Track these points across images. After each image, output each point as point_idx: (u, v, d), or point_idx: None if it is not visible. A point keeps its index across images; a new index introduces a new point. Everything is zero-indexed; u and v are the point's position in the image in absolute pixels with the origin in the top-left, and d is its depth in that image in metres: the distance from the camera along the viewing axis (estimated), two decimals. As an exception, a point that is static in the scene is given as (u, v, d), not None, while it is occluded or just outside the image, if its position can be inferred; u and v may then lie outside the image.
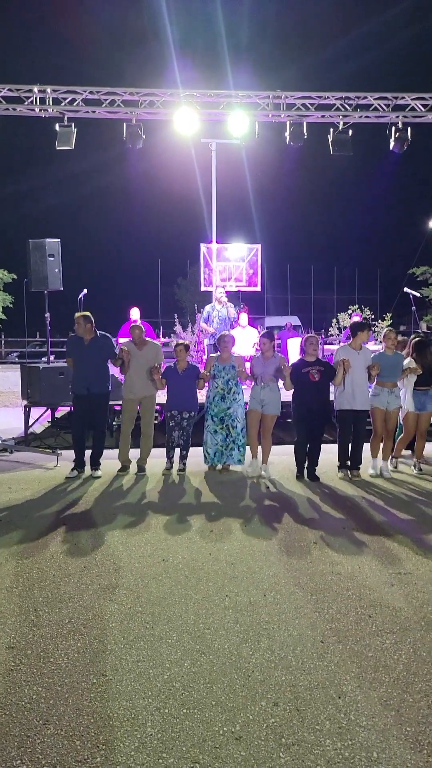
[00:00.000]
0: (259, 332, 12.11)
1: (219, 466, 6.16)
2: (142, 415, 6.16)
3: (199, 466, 6.20)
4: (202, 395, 6.29)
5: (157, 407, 7.66)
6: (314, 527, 4.39)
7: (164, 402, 6.29)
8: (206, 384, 6.15)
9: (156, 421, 7.85)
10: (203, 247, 10.91)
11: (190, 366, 6.14)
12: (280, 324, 20.48)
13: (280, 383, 6.00)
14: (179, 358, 6.11)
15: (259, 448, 6.08)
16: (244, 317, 9.59)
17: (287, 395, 6.03)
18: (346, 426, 5.90)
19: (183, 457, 6.16)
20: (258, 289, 11.18)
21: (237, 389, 6.07)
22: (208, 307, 9.16)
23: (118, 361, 6.00)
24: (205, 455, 6.11)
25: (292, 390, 5.88)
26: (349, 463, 5.96)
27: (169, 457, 6.21)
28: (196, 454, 6.30)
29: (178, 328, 13.97)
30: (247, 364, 6.53)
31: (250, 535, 4.21)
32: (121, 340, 7.96)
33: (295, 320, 23.25)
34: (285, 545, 4.02)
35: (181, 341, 6.29)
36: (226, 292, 9.37)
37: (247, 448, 6.13)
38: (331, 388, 6.01)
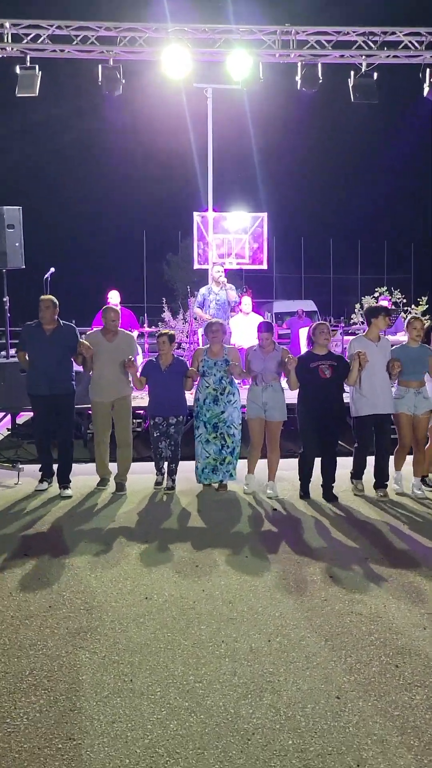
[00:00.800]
0: (266, 319, 12.12)
1: (215, 484, 6.18)
2: (116, 422, 6.15)
3: (192, 483, 6.21)
4: (192, 397, 6.30)
5: (141, 412, 7.69)
6: (329, 558, 4.40)
7: (147, 405, 6.30)
8: (195, 383, 6.15)
9: (140, 429, 7.91)
10: (197, 216, 10.91)
11: (176, 361, 6.12)
12: (291, 310, 20.51)
13: (283, 381, 6.01)
14: (162, 351, 6.07)
15: (261, 461, 6.10)
16: (247, 301, 9.61)
17: (291, 396, 6.04)
18: (366, 436, 5.89)
19: (171, 473, 6.15)
20: (264, 267, 11.17)
21: (232, 389, 6.07)
22: (203, 290, 9.17)
23: (79, 357, 5.97)
24: (197, 471, 6.12)
25: (298, 390, 5.88)
26: (364, 478, 5.99)
27: (159, 468, 6.22)
28: (190, 468, 6.32)
29: (166, 315, 13.98)
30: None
31: (251, 568, 4.22)
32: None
33: (309, 305, 23.30)
34: (294, 580, 4.03)
35: (164, 331, 6.27)
36: (225, 270, 9.37)
37: (242, 460, 6.13)
38: (346, 389, 6.02)
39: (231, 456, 6.05)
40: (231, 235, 10.84)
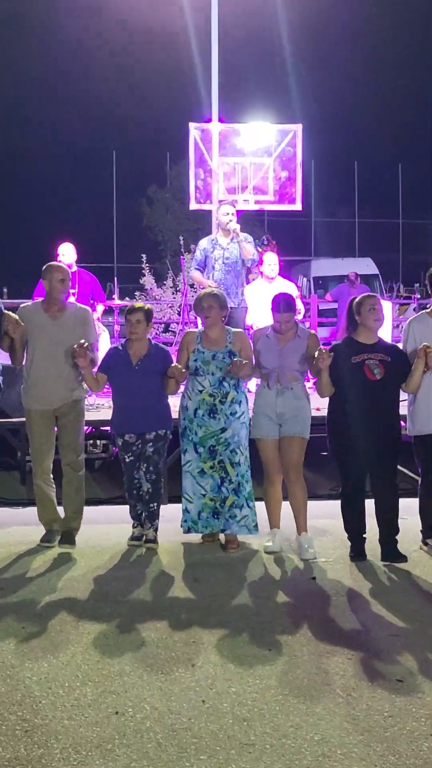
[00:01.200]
0: (298, 287, 12.14)
1: (221, 536, 6.22)
2: (61, 439, 6.18)
3: (179, 534, 6.26)
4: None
5: (107, 429, 7.72)
6: (394, 654, 4.40)
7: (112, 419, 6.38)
8: (182, 386, 6.18)
9: (106, 455, 7.93)
10: (195, 129, 10.94)
11: (154, 351, 6.18)
12: (339, 273, 20.48)
13: (308, 384, 6.14)
14: (134, 335, 6.11)
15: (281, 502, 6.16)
16: (271, 260, 9.62)
17: (320, 403, 6.11)
18: (430, 463, 5.94)
19: (152, 517, 6.19)
20: (297, 207, 11.21)
21: (238, 395, 6.09)
22: (204, 242, 9.18)
23: (4, 340, 6.01)
24: (185, 516, 6.14)
25: (330, 396, 5.91)
26: None
27: (135, 516, 6.28)
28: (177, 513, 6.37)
29: (147, 280, 14.08)
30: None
31: (275, 667, 4.23)
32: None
33: (366, 265, 23.31)
34: (340, 685, 4.04)
35: (138, 304, 6.31)
36: (238, 213, 9.38)
37: (260, 504, 6.17)
38: (402, 396, 6.04)
39: (236, 496, 6.05)
40: (247, 158, 10.87)
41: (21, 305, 6.39)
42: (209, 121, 10.87)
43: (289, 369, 5.95)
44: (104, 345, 8.14)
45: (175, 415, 6.31)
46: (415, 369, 5.75)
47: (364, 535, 5.96)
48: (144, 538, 6.17)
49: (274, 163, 10.90)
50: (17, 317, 5.98)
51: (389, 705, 3.85)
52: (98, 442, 7.87)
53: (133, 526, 6.30)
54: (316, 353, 5.70)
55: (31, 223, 31.48)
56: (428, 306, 6.08)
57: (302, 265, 25.38)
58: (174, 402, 6.31)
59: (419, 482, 6.11)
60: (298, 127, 11.08)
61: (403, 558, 5.82)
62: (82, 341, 5.89)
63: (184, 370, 5.98)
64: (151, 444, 6.10)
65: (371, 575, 5.60)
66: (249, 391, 6.36)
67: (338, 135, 33.02)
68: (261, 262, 9.55)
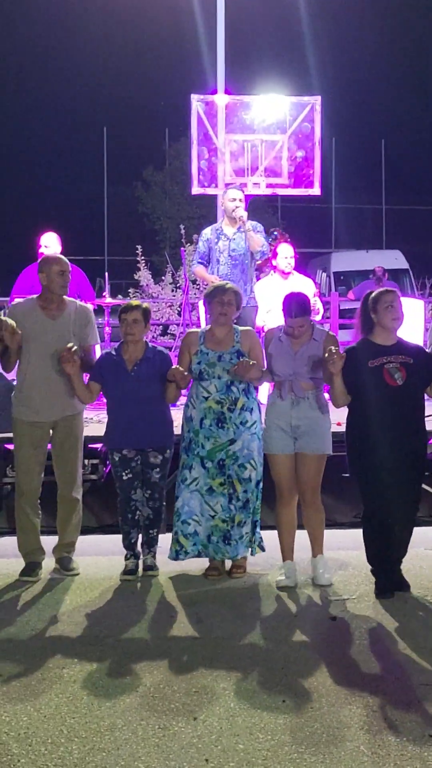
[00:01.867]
0: (316, 284, 12.16)
1: (229, 563, 6.26)
2: (57, 457, 6.24)
3: (180, 563, 6.30)
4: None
5: (98, 447, 7.73)
6: (427, 708, 4.38)
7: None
8: (184, 393, 6.25)
9: (96, 477, 7.94)
10: (198, 102, 10.97)
11: (153, 354, 6.23)
12: (364, 267, 20.52)
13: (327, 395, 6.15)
14: (129, 337, 6.15)
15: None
16: (286, 252, 9.62)
17: (341, 417, 6.14)
18: None
19: (151, 543, 6.27)
20: (315, 191, 11.23)
21: (248, 401, 6.14)
22: (207, 232, 9.21)
23: None
24: (177, 541, 6.14)
25: (347, 406, 5.96)
26: None
27: (129, 546, 6.29)
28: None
29: (143, 275, 14.13)
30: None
31: (289, 721, 4.22)
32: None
33: (394, 259, 23.29)
34: (366, 743, 4.03)
35: (134, 302, 6.37)
36: (247, 197, 9.40)
37: (272, 533, 6.20)
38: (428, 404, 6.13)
39: (243, 514, 6.09)
40: (258, 135, 10.88)
41: (13, 302, 6.41)
42: (214, 92, 10.91)
43: (303, 376, 5.99)
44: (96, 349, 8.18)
45: (177, 430, 6.35)
46: None
47: (389, 567, 5.97)
48: (142, 566, 6.20)
49: (288, 140, 10.89)
50: (13, 323, 6.00)
51: (420, 764, 3.84)
52: (86, 461, 7.87)
53: (126, 558, 6.29)
54: (326, 354, 5.71)
55: (6, 210, 31.56)
56: None
57: (321, 258, 25.36)
58: (176, 415, 6.34)
59: None
60: (317, 100, 11.08)
61: (406, 585, 5.89)
62: (70, 344, 5.93)
63: (186, 373, 6.01)
64: (158, 470, 6.18)
65: (400, 614, 5.60)
66: (261, 403, 6.39)
67: (362, 108, 33.14)
68: (275, 255, 9.55)
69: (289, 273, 9.54)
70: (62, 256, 6.37)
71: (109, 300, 11.68)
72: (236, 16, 10.98)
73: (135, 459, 6.17)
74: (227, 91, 10.92)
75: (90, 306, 6.72)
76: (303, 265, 10.92)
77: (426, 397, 6.07)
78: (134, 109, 32.57)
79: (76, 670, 4.72)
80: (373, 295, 5.93)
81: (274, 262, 9.59)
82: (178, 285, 14.77)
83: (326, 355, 5.71)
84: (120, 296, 13.55)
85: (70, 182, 32.95)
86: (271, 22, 26.93)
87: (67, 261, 6.32)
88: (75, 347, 5.93)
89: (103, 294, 11.82)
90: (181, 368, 6.01)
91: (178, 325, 11.91)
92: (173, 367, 6.06)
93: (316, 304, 9.49)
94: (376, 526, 5.93)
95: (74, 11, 30.44)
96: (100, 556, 6.64)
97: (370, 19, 33.73)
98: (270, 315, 8.93)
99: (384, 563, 5.98)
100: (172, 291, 16.42)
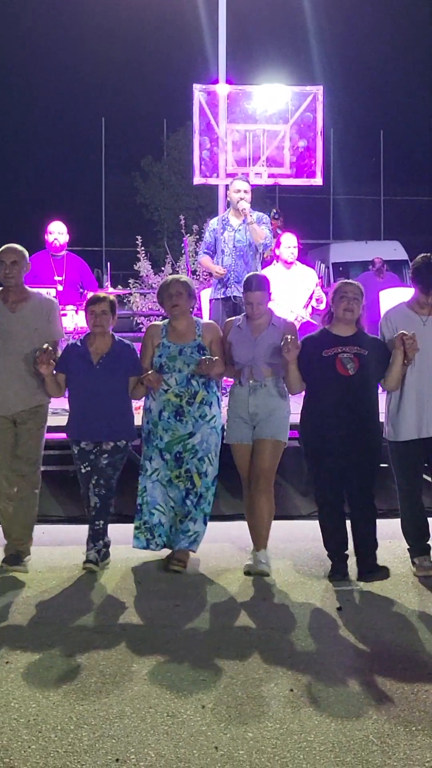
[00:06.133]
0: (318, 273, 12.15)
1: (193, 554, 6.28)
2: (18, 448, 6.23)
3: (145, 553, 6.35)
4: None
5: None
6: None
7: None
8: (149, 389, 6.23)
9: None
10: (200, 92, 10.94)
11: (119, 348, 6.25)
12: (363, 258, 20.52)
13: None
14: (98, 327, 6.15)
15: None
16: (290, 242, 9.61)
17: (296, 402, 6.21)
18: (409, 473, 6.08)
19: (96, 536, 6.18)
20: (317, 181, 11.21)
21: (208, 395, 6.21)
22: (214, 222, 9.24)
23: None
24: (140, 529, 6.17)
25: (303, 392, 6.06)
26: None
27: (93, 536, 6.25)
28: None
29: (143, 266, 14.06)
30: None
31: (297, 710, 4.25)
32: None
33: (393, 250, 23.28)
34: (375, 733, 4.06)
35: (101, 294, 6.40)
36: (251, 186, 9.39)
37: (242, 524, 6.30)
38: (382, 398, 6.17)
39: (195, 509, 6.15)
40: (260, 125, 10.82)
41: None
42: (216, 82, 10.86)
43: (262, 362, 6.05)
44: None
45: (138, 421, 6.41)
46: (393, 362, 5.87)
47: (345, 552, 6.04)
48: (86, 560, 6.11)
49: (290, 130, 10.84)
50: None
51: (430, 753, 3.84)
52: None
53: (87, 548, 6.23)
54: (282, 342, 5.81)
55: (3, 200, 31.51)
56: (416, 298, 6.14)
57: (320, 249, 25.35)
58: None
59: (398, 497, 6.21)
60: (319, 89, 11.04)
61: (385, 571, 5.93)
62: (46, 345, 5.95)
63: (154, 373, 6.03)
64: (106, 456, 6.15)
65: (407, 603, 5.65)
66: (225, 393, 6.43)
67: (361, 99, 33.07)
68: (278, 244, 9.57)
69: (292, 263, 9.57)
70: (17, 246, 6.20)
71: (111, 290, 11.65)
72: (237, 5, 10.93)
73: (93, 452, 6.19)
74: (229, 81, 10.87)
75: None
76: (302, 255, 10.85)
77: (380, 390, 6.18)
78: (133, 100, 32.50)
79: (84, 658, 4.74)
80: (335, 287, 6.07)
81: (277, 251, 9.60)
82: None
83: (282, 343, 5.81)
84: (120, 287, 13.47)
85: (68, 173, 32.90)
86: (273, 12, 26.83)
87: (23, 250, 6.22)
88: (50, 348, 5.97)
89: (106, 284, 11.78)
90: (157, 374, 6.03)
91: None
92: (149, 372, 6.05)
93: (318, 293, 9.52)
94: (328, 511, 6.04)
95: (73, 1, 30.33)
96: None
97: (373, 9, 33.65)
98: (273, 305, 8.91)
99: (337, 547, 6.03)
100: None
